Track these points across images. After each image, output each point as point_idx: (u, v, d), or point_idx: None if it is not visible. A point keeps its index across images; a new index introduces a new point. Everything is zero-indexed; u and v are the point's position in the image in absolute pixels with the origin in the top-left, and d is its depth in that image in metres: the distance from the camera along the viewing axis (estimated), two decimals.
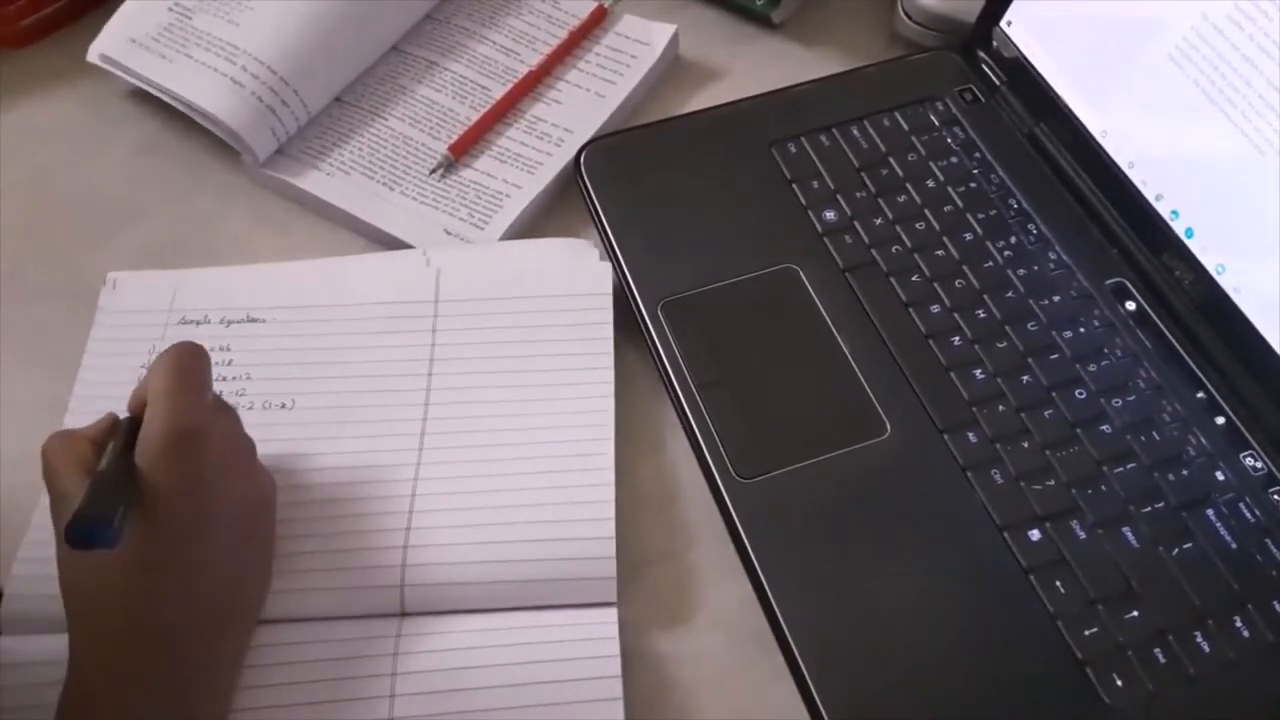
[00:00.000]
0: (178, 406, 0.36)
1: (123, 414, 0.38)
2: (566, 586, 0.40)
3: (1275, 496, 0.41)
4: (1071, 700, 0.37)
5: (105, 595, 0.35)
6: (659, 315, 0.46)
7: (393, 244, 0.51)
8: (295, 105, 0.53)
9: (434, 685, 0.38)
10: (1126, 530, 0.40)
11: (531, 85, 0.56)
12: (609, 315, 0.47)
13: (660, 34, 0.58)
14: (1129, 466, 0.41)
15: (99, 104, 0.57)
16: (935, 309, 0.46)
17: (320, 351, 0.46)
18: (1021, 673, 0.37)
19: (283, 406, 0.45)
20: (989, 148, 0.51)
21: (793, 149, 0.51)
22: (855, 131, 0.52)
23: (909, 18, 0.58)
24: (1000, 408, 0.43)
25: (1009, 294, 0.46)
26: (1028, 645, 0.38)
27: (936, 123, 0.52)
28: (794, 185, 0.50)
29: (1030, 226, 0.48)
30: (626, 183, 0.51)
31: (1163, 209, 0.45)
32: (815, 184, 0.50)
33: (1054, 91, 0.50)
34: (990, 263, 0.47)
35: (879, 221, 0.49)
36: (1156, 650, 0.37)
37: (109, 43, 0.55)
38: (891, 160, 0.51)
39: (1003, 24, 0.52)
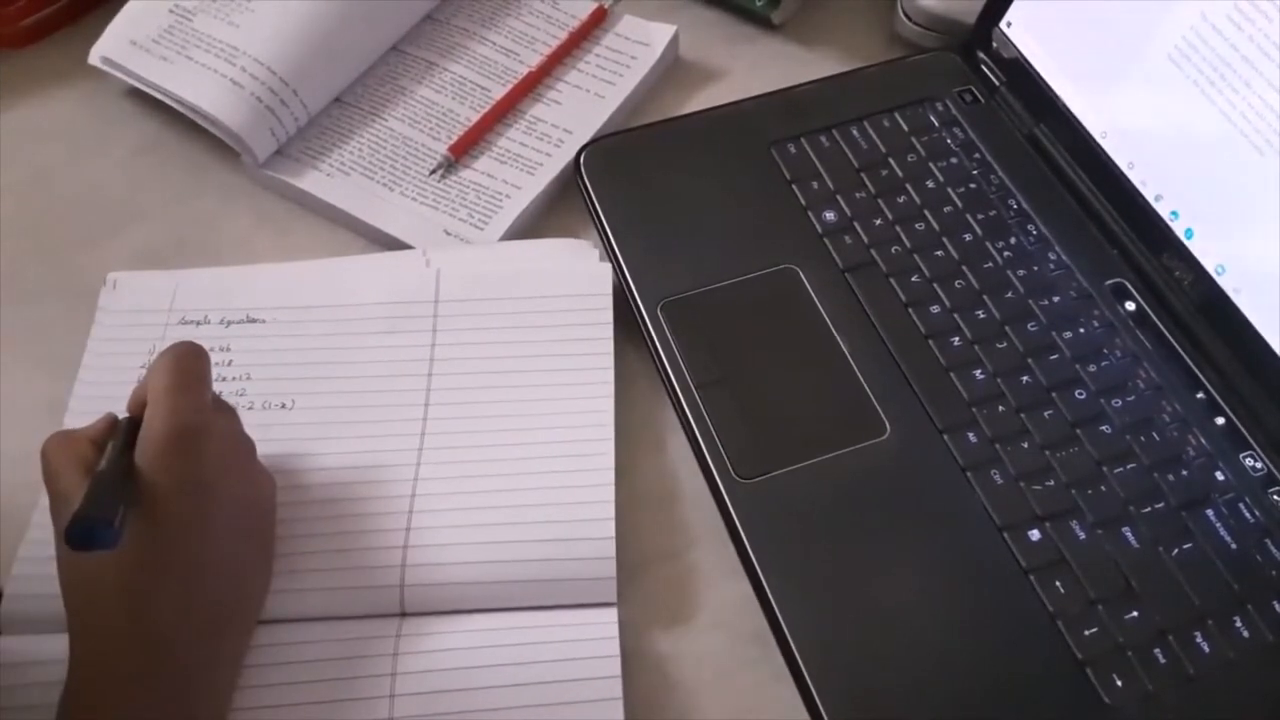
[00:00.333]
0: (177, 406, 0.36)
1: (122, 414, 0.38)
2: (566, 586, 0.40)
3: (1275, 496, 0.41)
4: (1071, 700, 0.37)
5: (105, 595, 0.35)
6: (659, 315, 0.46)
7: (393, 244, 0.51)
8: (295, 106, 0.53)
9: (434, 685, 0.38)
10: (1126, 530, 0.40)
11: (531, 86, 0.56)
12: (609, 315, 0.47)
13: (660, 34, 0.58)
14: (1129, 467, 0.41)
15: (99, 104, 0.57)
16: (935, 309, 0.46)
17: (320, 352, 0.46)
18: (1021, 673, 0.37)
19: (283, 406, 0.45)
20: (989, 148, 0.51)
21: (793, 149, 0.51)
22: (855, 132, 0.52)
23: (909, 18, 0.58)
24: (1000, 408, 0.43)
25: (1009, 294, 0.46)
26: (1028, 645, 0.38)
27: (936, 123, 0.52)
28: (794, 186, 0.50)
29: (1030, 227, 0.48)
30: (626, 183, 0.51)
31: (1162, 209, 0.45)
32: (815, 184, 0.50)
33: (1054, 92, 0.50)
34: (990, 263, 0.47)
35: (879, 222, 0.49)
36: (1156, 650, 0.37)
37: (110, 45, 0.55)
38: (891, 161, 0.51)
39: (1002, 25, 0.52)
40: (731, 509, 0.41)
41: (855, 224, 0.49)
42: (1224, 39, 0.42)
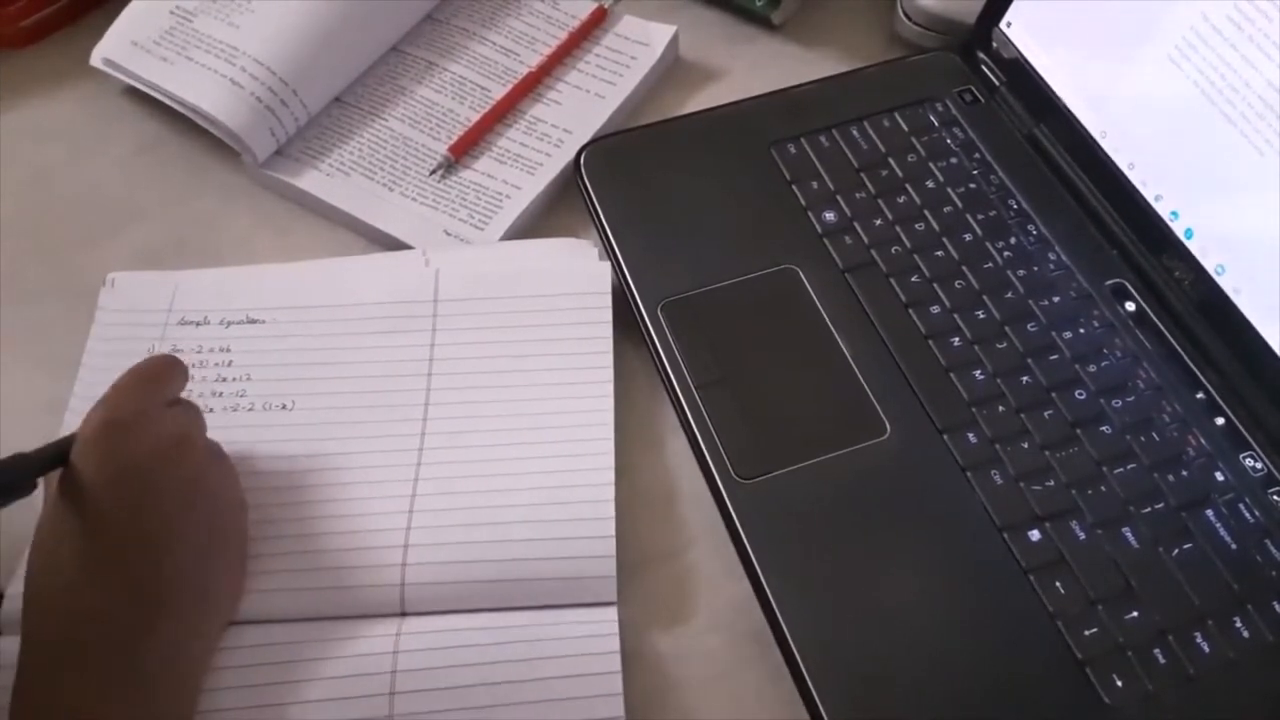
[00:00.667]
0: (115, 399, 0.37)
1: None
2: (566, 586, 0.40)
3: (1275, 496, 0.41)
4: (1071, 700, 0.37)
5: (49, 580, 0.35)
6: (659, 315, 0.46)
7: (393, 244, 0.51)
8: (295, 106, 0.53)
9: (434, 684, 0.38)
10: (1126, 530, 0.40)
11: (531, 86, 0.57)
12: (609, 315, 0.47)
13: (660, 35, 0.58)
14: (1129, 467, 0.41)
15: (99, 104, 0.57)
16: (935, 309, 0.46)
17: (320, 352, 0.46)
18: (1021, 673, 0.37)
19: (283, 407, 0.45)
20: (989, 148, 0.51)
21: (792, 149, 0.51)
22: (855, 132, 0.52)
23: (909, 18, 0.58)
24: (1000, 408, 0.43)
25: (1009, 295, 0.46)
26: (1028, 645, 0.38)
27: (936, 123, 0.52)
28: (794, 186, 0.50)
29: (1030, 227, 0.48)
30: (626, 183, 0.51)
31: (1162, 209, 0.45)
32: (815, 184, 0.50)
33: (1053, 92, 0.50)
34: (990, 263, 0.47)
35: (879, 222, 0.49)
36: (1156, 650, 0.37)
37: (111, 46, 0.55)
38: (891, 161, 0.51)
39: (1002, 25, 0.52)
40: (731, 509, 0.41)
41: (855, 224, 0.49)
42: (1224, 39, 0.42)
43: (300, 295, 0.48)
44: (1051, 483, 0.41)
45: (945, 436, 0.42)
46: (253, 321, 0.47)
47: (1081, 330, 0.45)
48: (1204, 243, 0.44)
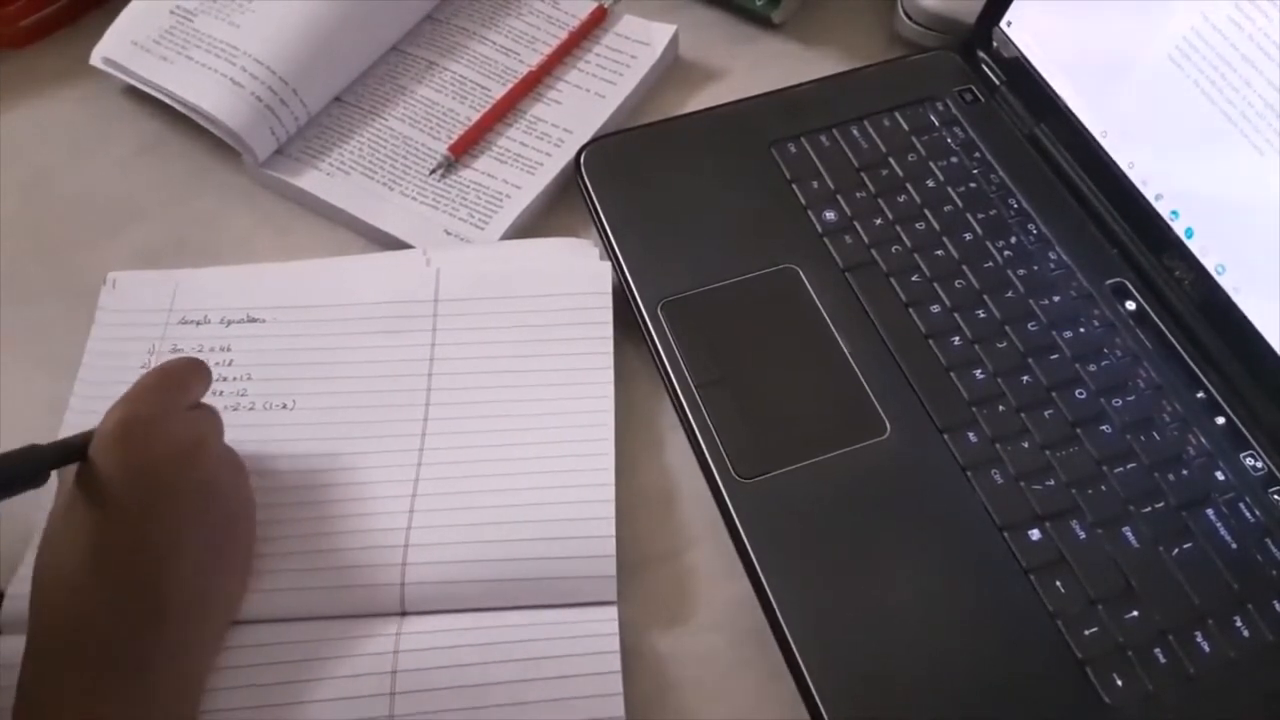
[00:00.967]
0: (138, 398, 0.37)
1: None
2: (566, 585, 0.40)
3: (1275, 496, 0.41)
4: (1071, 700, 0.37)
5: (57, 577, 0.35)
6: (659, 315, 0.46)
7: (393, 244, 0.51)
8: (295, 105, 0.53)
9: (434, 684, 0.38)
10: (1126, 530, 0.40)
11: (531, 85, 0.56)
12: (609, 315, 0.47)
13: (660, 34, 0.58)
14: (1129, 466, 0.41)
15: (99, 104, 0.57)
16: (935, 309, 0.46)
17: (320, 351, 0.46)
18: (1021, 673, 0.37)
19: (283, 407, 0.45)
20: (989, 148, 0.51)
21: (793, 149, 0.51)
22: (855, 132, 0.52)
23: (909, 18, 0.58)
24: (1000, 408, 0.43)
25: (1009, 294, 0.46)
26: (1028, 645, 0.38)
27: (936, 123, 0.52)
28: (794, 185, 0.50)
29: (1030, 226, 0.48)
30: (626, 183, 0.51)
31: (1162, 209, 0.45)
32: (815, 184, 0.50)
33: (1054, 91, 0.50)
34: (990, 263, 0.47)
35: (879, 221, 0.49)
36: (1156, 650, 0.37)
37: (111, 46, 0.55)
38: (891, 160, 0.51)
39: (1003, 24, 0.52)
40: (731, 509, 0.41)
41: (855, 223, 0.49)
42: (1224, 39, 0.42)
43: (301, 295, 0.48)
44: (1052, 482, 0.41)
45: (945, 436, 0.42)
46: (253, 321, 0.47)
47: (1082, 330, 0.45)
48: (1204, 242, 0.44)
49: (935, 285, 0.47)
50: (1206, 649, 0.37)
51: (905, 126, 0.52)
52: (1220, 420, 0.42)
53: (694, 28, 0.60)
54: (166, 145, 0.56)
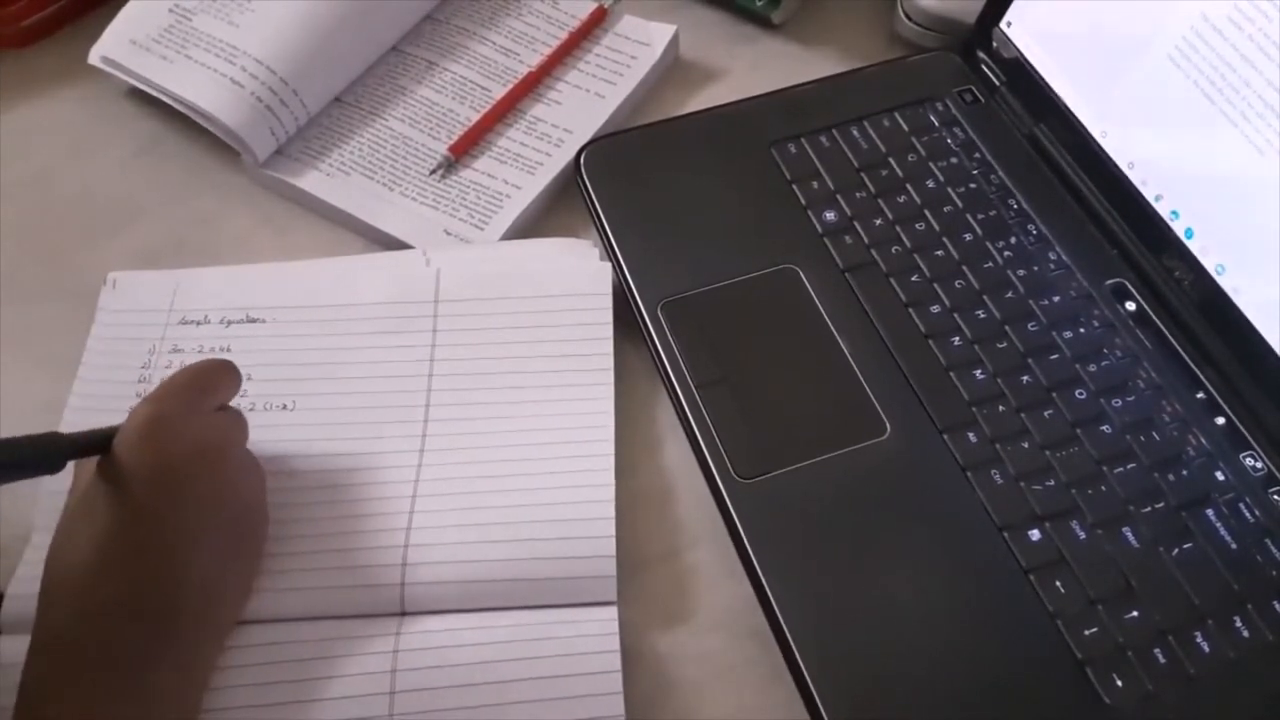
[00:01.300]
0: (165, 396, 0.37)
1: (123, 416, 0.38)
2: (566, 585, 0.40)
3: (1275, 496, 0.41)
4: (1071, 700, 0.37)
5: (69, 571, 0.35)
6: (659, 315, 0.46)
7: (393, 244, 0.51)
8: (295, 105, 0.53)
9: (433, 683, 0.38)
10: (1126, 530, 0.40)
11: (531, 86, 0.56)
12: (609, 315, 0.47)
13: (660, 34, 0.58)
14: (1129, 466, 0.41)
15: (99, 104, 0.57)
16: (935, 309, 0.46)
17: (321, 351, 0.46)
18: (1021, 673, 0.37)
19: (284, 407, 0.45)
20: (989, 148, 0.51)
21: (793, 149, 0.51)
22: (855, 132, 0.52)
23: (909, 18, 0.58)
24: (1000, 408, 0.43)
25: (1009, 294, 0.46)
26: (1028, 645, 0.38)
27: (936, 123, 0.52)
28: (794, 185, 0.50)
29: (1030, 227, 0.48)
30: (626, 183, 0.51)
31: (1162, 209, 0.45)
32: (815, 184, 0.50)
33: (1054, 92, 0.50)
34: (990, 263, 0.47)
35: (879, 222, 0.49)
36: (1156, 650, 0.37)
37: (110, 45, 0.55)
38: (891, 161, 0.51)
39: (1002, 24, 0.52)
40: (731, 509, 0.41)
41: (855, 224, 0.49)
42: (1224, 39, 0.42)
43: (301, 295, 0.48)
44: (1051, 482, 0.41)
45: (945, 436, 0.42)
46: (253, 321, 0.47)
47: (1081, 330, 0.45)
48: (1204, 242, 0.44)
49: (935, 285, 0.47)
50: (1206, 649, 0.37)
51: (905, 127, 0.52)
52: (1220, 420, 0.42)
53: (694, 28, 0.60)
54: (166, 145, 0.56)
